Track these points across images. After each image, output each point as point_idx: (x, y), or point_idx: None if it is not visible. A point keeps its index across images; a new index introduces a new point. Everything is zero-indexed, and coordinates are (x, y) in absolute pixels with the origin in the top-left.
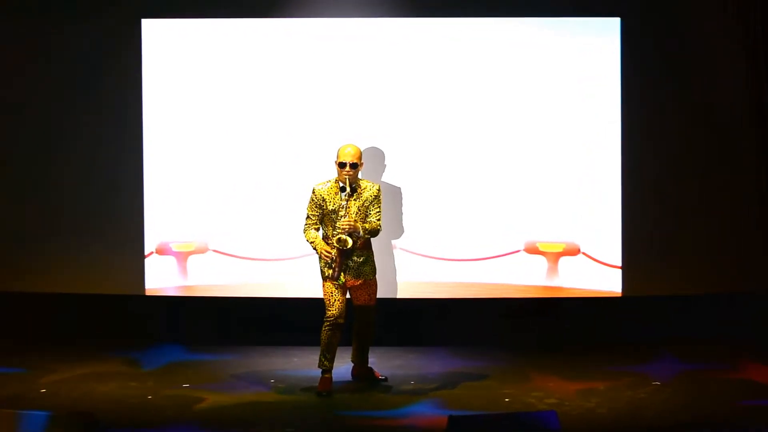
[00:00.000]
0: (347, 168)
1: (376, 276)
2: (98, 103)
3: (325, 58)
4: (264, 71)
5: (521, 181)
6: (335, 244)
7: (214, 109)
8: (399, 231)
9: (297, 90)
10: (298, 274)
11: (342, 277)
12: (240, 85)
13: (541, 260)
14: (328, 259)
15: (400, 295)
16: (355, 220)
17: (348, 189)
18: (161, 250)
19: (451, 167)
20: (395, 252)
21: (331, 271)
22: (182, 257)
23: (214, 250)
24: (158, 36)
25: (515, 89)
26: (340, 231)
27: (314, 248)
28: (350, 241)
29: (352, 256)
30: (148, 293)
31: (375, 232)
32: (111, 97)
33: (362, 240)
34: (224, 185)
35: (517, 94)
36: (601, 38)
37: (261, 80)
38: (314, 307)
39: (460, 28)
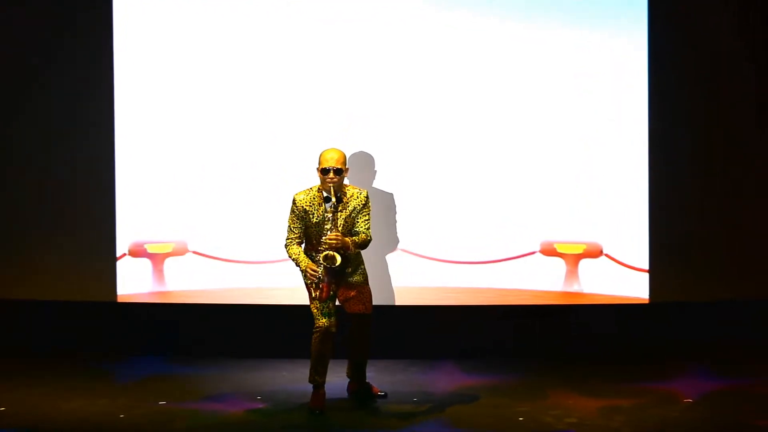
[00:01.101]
0: (331, 174)
1: (369, 281)
2: (64, 91)
3: (315, 45)
4: (249, 59)
5: (537, 175)
6: (322, 262)
7: (194, 96)
8: (396, 235)
9: (285, 78)
10: (287, 279)
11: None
12: (222, 72)
13: (559, 263)
14: (314, 279)
15: (400, 302)
16: (343, 234)
17: (333, 199)
18: (135, 252)
19: (458, 158)
20: (394, 254)
21: (318, 293)
22: (158, 260)
23: (194, 252)
24: (130, 19)
25: (533, 80)
26: (326, 247)
27: (297, 265)
28: (339, 258)
29: (344, 271)
30: (120, 300)
31: (365, 244)
32: (79, 86)
33: (352, 255)
34: (206, 180)
35: (535, 86)
36: (626, 32)
37: (245, 67)
38: (305, 315)
39: (472, 17)
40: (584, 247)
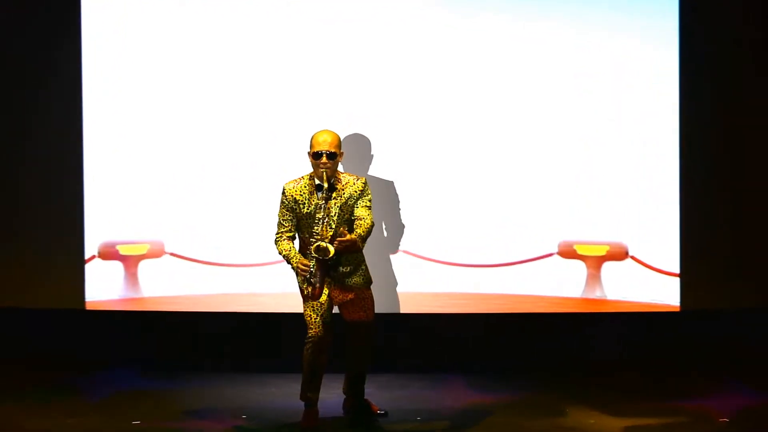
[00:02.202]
0: (323, 159)
1: (371, 286)
2: (26, 84)
3: (306, 29)
4: (233, 43)
5: (555, 170)
6: (314, 254)
7: (171, 82)
8: (401, 230)
9: (273, 64)
10: (275, 284)
11: (324, 296)
12: (203, 57)
13: (580, 266)
14: (305, 275)
15: (404, 309)
16: (337, 224)
17: (326, 186)
18: (105, 254)
19: (466, 153)
20: (397, 256)
21: (310, 289)
22: (132, 262)
23: (172, 254)
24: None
25: (555, 72)
26: (317, 238)
27: (288, 262)
28: (332, 250)
29: (339, 268)
30: (89, 307)
31: (370, 231)
32: (42, 76)
33: (354, 248)
34: (185, 174)
35: (555, 82)
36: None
37: (230, 51)
38: (296, 323)
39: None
40: (607, 248)
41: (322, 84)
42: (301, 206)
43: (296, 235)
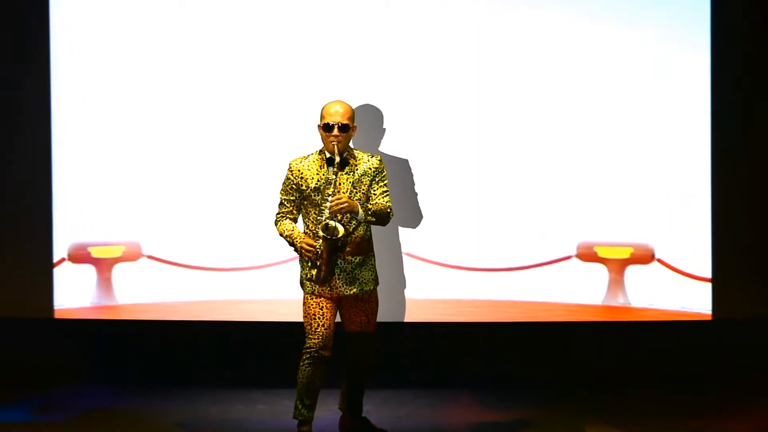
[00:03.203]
0: (335, 131)
1: (377, 290)
2: None
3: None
4: (211, 33)
5: (574, 166)
6: (321, 233)
7: (148, 73)
8: (410, 222)
9: (263, 40)
10: (265, 289)
11: (329, 288)
12: (177, 50)
13: (601, 270)
14: (310, 256)
15: (407, 317)
16: (349, 197)
17: (338, 159)
18: (76, 257)
19: (478, 147)
20: (402, 258)
21: (315, 272)
22: (105, 266)
23: (150, 257)
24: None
25: (576, 67)
26: (327, 216)
27: (291, 243)
28: (341, 229)
29: (346, 255)
30: (58, 316)
31: (383, 216)
32: (10, 71)
33: (360, 232)
34: (163, 167)
35: (578, 73)
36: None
37: (208, 43)
38: (289, 333)
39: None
40: (631, 250)
41: (313, 81)
42: (308, 181)
43: (298, 218)
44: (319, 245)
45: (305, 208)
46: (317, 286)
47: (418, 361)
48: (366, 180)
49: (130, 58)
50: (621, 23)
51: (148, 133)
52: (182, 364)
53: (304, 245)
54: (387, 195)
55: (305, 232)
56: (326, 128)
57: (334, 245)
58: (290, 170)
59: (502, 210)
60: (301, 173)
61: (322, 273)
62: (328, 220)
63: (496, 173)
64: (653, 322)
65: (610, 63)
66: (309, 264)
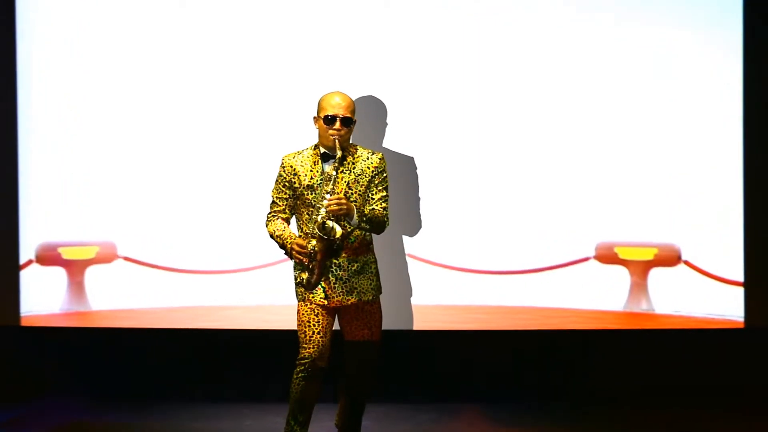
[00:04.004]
0: (337, 125)
1: (380, 297)
2: None
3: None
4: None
5: (592, 160)
6: (316, 233)
7: (118, 67)
8: (411, 227)
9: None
10: (251, 294)
11: (320, 294)
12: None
13: (622, 273)
14: (301, 258)
15: (411, 326)
16: (347, 197)
17: (339, 153)
18: (45, 258)
19: (489, 140)
20: (408, 259)
21: (305, 275)
22: (77, 268)
23: (126, 258)
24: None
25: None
26: (324, 216)
27: (281, 244)
28: (339, 230)
29: (341, 259)
30: (25, 323)
31: (379, 224)
32: None
33: (358, 235)
34: (141, 162)
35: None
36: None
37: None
38: (278, 343)
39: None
40: (655, 251)
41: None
42: (302, 178)
43: (291, 219)
44: (313, 246)
45: (297, 209)
46: (310, 293)
47: (421, 373)
48: (363, 180)
49: (100, 51)
50: (650, 17)
51: (123, 126)
52: (161, 375)
53: (295, 246)
54: (385, 201)
55: (299, 236)
56: (327, 121)
57: (329, 247)
58: (282, 166)
59: (514, 208)
60: (294, 169)
61: (314, 277)
62: (325, 220)
63: (505, 167)
64: (679, 330)
65: (634, 57)
66: (300, 266)
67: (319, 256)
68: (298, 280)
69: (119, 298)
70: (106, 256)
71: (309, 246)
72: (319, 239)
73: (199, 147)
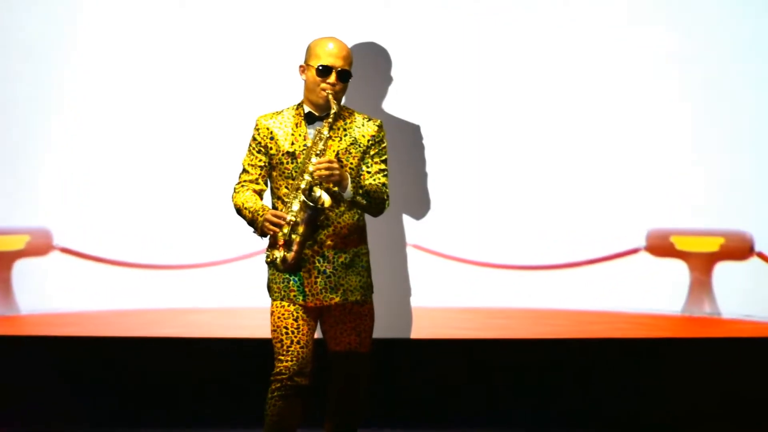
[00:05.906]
0: (332, 77)
1: (373, 297)
2: None
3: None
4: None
5: (644, 135)
6: (302, 199)
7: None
8: (415, 209)
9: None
10: (221, 294)
11: (294, 289)
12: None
13: (680, 268)
14: (276, 230)
15: (414, 334)
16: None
17: (334, 109)
18: None
19: (515, 113)
20: (410, 249)
21: (283, 253)
22: (2, 262)
23: (63, 249)
24: None
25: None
26: (309, 181)
27: (249, 219)
28: (327, 200)
29: (327, 251)
30: None
31: (378, 200)
32: None
33: (348, 220)
34: (82, 132)
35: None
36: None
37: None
38: (249, 354)
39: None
40: (721, 241)
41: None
42: (281, 143)
43: (264, 193)
44: (294, 215)
45: (274, 182)
46: (288, 292)
47: (424, 391)
48: (355, 151)
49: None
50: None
51: (69, 98)
52: (107, 396)
53: (268, 219)
54: (384, 175)
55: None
56: (320, 72)
57: (315, 218)
58: (257, 128)
59: (544, 189)
60: (271, 132)
61: (292, 254)
62: (312, 185)
63: (532, 141)
64: (751, 339)
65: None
66: (273, 245)
67: (301, 228)
68: (271, 258)
69: (55, 299)
70: (39, 247)
71: (288, 215)
72: (305, 206)
73: (157, 125)
